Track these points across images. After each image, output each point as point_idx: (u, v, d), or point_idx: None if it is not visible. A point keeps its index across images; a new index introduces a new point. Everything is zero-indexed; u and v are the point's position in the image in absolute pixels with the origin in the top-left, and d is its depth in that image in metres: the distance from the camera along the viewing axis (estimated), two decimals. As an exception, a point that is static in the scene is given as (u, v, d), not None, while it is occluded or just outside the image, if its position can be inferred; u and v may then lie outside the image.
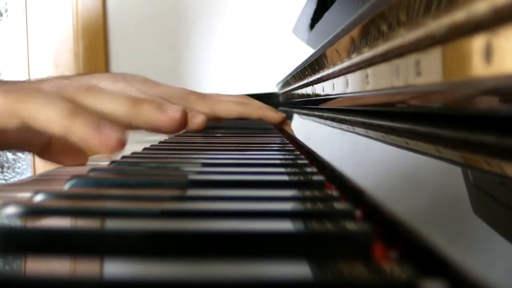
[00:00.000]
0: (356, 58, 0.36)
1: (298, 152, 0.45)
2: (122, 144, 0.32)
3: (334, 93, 0.47)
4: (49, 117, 0.32)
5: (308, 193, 0.27)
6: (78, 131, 0.32)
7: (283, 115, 0.79)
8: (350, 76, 0.40)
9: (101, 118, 0.33)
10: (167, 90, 0.74)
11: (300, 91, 0.76)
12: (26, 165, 1.78)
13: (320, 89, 0.55)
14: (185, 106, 0.74)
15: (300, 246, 0.18)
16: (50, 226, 0.20)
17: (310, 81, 0.62)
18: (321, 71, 0.53)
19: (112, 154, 0.34)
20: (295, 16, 1.11)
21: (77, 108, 0.33)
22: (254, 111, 0.77)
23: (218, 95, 0.79)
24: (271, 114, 0.77)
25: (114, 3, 1.70)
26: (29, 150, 0.41)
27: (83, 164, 0.40)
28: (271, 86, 1.25)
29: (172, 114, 0.38)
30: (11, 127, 0.33)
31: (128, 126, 0.37)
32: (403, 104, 0.30)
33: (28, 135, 0.37)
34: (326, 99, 0.53)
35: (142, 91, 0.66)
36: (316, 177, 0.31)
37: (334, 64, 0.45)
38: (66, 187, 0.29)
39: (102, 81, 0.66)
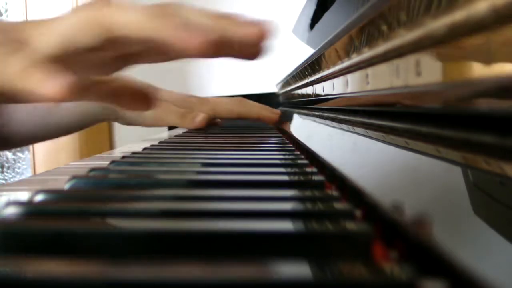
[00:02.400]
0: (356, 58, 0.36)
1: (298, 152, 0.45)
2: (209, 44, 0.31)
3: (334, 93, 0.47)
4: (136, 19, 0.31)
5: (308, 193, 0.27)
6: (165, 30, 0.31)
7: (278, 112, 0.83)
8: (350, 76, 0.40)
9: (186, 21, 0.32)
10: (170, 94, 0.76)
11: (300, 91, 0.76)
12: (26, 165, 1.78)
13: (320, 89, 0.55)
14: (186, 108, 0.75)
15: (300, 246, 0.18)
16: (50, 226, 0.20)
17: (310, 81, 0.62)
18: (321, 71, 0.53)
19: (199, 52, 0.31)
20: (295, 16, 1.11)
21: (166, 13, 0.32)
22: (252, 112, 0.81)
23: (217, 97, 0.82)
24: (268, 114, 0.82)
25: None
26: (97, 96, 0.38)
27: (150, 109, 0.38)
28: (271, 86, 1.25)
29: (258, 27, 0.36)
30: (96, 42, 0.31)
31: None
32: (403, 104, 0.30)
33: (96, 63, 0.35)
34: (326, 99, 0.53)
35: None
36: (316, 177, 0.31)
37: (334, 64, 0.45)
38: (66, 187, 0.29)
39: None
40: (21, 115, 0.71)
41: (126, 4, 0.32)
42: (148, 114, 0.73)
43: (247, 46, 0.36)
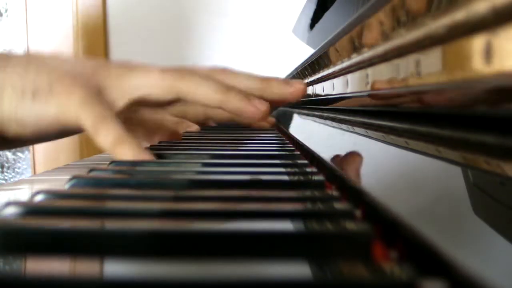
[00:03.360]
0: (356, 58, 0.36)
1: (298, 152, 0.45)
2: (268, 111, 0.42)
3: (334, 93, 0.47)
4: (207, 92, 0.41)
5: (308, 193, 0.27)
6: (233, 103, 0.41)
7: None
8: (350, 76, 0.40)
9: (248, 94, 0.42)
10: None
11: (300, 91, 0.75)
12: (26, 165, 1.78)
13: (320, 89, 0.55)
14: (180, 110, 0.76)
15: (300, 246, 0.18)
16: (50, 226, 0.20)
17: (310, 81, 0.62)
18: (321, 71, 0.53)
19: (259, 122, 0.46)
20: (295, 16, 1.11)
21: (229, 86, 0.41)
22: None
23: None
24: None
25: (114, 3, 1.70)
26: (138, 133, 0.52)
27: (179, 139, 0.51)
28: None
29: (297, 85, 0.47)
30: (165, 100, 0.42)
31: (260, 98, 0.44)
32: (403, 104, 0.30)
33: (153, 117, 0.47)
34: (326, 99, 0.53)
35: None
36: (316, 177, 0.31)
37: (334, 64, 0.45)
38: (66, 187, 0.29)
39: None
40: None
41: (196, 77, 0.42)
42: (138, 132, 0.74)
43: (288, 100, 0.47)
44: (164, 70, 0.42)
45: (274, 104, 0.46)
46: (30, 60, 0.42)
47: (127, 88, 0.41)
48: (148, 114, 0.58)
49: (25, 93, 0.40)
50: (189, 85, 0.41)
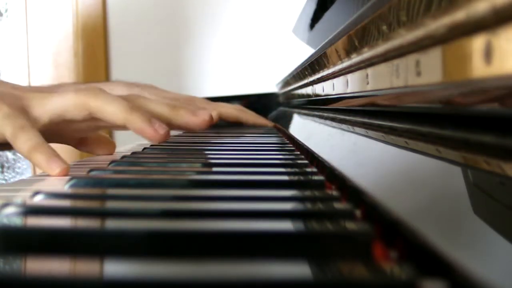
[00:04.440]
0: (356, 58, 0.36)
1: (298, 152, 0.45)
2: (167, 135, 0.45)
3: (334, 93, 0.47)
4: (114, 111, 0.44)
5: (308, 193, 0.27)
6: (136, 123, 0.44)
7: (272, 123, 0.86)
8: (350, 76, 0.40)
9: (152, 116, 0.46)
10: (175, 95, 0.78)
11: (300, 91, 0.76)
12: (26, 165, 1.78)
13: (320, 89, 0.55)
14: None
15: (300, 246, 0.18)
16: (50, 226, 0.20)
17: (310, 81, 0.62)
18: (321, 71, 0.53)
19: (159, 142, 0.46)
20: (295, 16, 1.11)
21: (135, 107, 0.45)
22: (249, 118, 0.87)
23: (217, 103, 0.87)
24: (264, 122, 0.88)
25: (114, 3, 1.70)
26: (68, 143, 0.53)
27: (112, 153, 0.52)
28: (271, 86, 1.25)
29: (203, 116, 0.51)
30: (79, 118, 0.45)
31: (168, 125, 0.48)
32: (403, 104, 0.30)
33: (75, 129, 0.49)
34: (326, 99, 0.53)
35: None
36: (316, 177, 0.31)
37: (334, 64, 0.45)
38: (66, 187, 0.29)
39: (119, 87, 0.72)
40: None
41: (108, 96, 0.45)
42: None
43: (193, 129, 0.52)
44: (78, 90, 0.46)
45: (182, 129, 0.52)
46: None
47: (47, 107, 0.45)
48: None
49: None
50: (99, 104, 0.45)
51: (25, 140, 0.41)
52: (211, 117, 0.52)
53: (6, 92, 0.46)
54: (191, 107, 0.52)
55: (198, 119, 0.51)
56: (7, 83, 0.50)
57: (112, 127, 0.51)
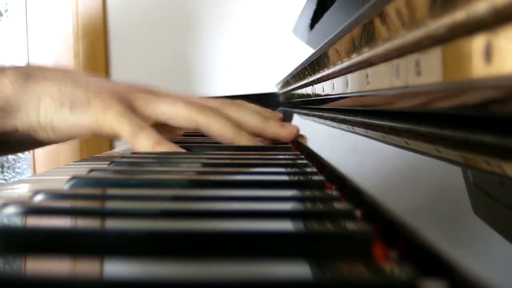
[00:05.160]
0: (356, 58, 0.36)
1: (298, 152, 0.45)
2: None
3: (334, 93, 0.47)
4: (222, 129, 0.49)
5: (308, 193, 0.27)
6: (243, 141, 0.50)
7: (294, 131, 0.79)
8: (350, 76, 0.40)
9: (253, 133, 0.52)
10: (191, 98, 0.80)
11: (300, 91, 0.76)
12: (26, 165, 1.78)
13: (320, 89, 0.55)
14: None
15: (300, 246, 0.18)
16: (50, 226, 0.20)
17: (310, 81, 0.62)
18: (321, 71, 0.53)
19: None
20: (295, 16, 1.11)
21: (240, 126, 0.50)
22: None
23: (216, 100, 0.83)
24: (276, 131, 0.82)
25: (114, 3, 1.70)
26: None
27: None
28: (271, 86, 1.25)
29: (291, 129, 0.54)
30: (185, 127, 0.51)
31: (258, 135, 0.53)
32: (403, 104, 0.30)
33: (170, 130, 0.54)
34: (326, 99, 0.53)
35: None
36: (316, 177, 0.31)
37: (334, 64, 0.45)
38: (66, 187, 0.29)
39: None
40: None
41: (215, 110, 0.50)
42: None
43: (281, 140, 0.54)
44: (187, 102, 0.50)
45: (269, 139, 0.55)
46: (66, 74, 0.49)
47: (154, 112, 0.48)
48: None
49: (63, 104, 0.46)
50: (206, 121, 0.49)
51: (146, 137, 0.44)
52: (297, 130, 0.55)
53: (112, 89, 0.48)
54: (277, 120, 0.56)
55: (287, 131, 0.54)
56: (110, 80, 0.53)
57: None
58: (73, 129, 0.46)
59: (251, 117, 0.53)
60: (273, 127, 0.53)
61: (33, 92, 0.46)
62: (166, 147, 0.44)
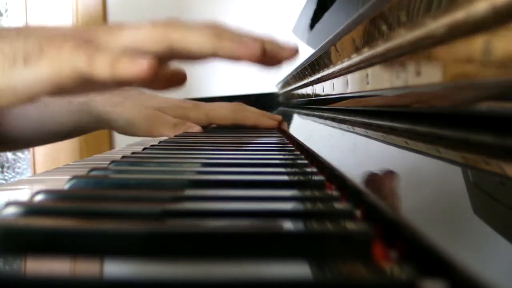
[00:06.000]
0: (356, 58, 0.36)
1: (298, 152, 0.45)
2: (261, 55, 0.41)
3: (334, 93, 0.47)
4: (199, 40, 0.41)
5: (308, 193, 0.27)
6: (226, 48, 0.41)
7: (279, 118, 0.79)
8: (350, 76, 0.40)
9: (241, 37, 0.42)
10: (162, 101, 0.76)
11: (300, 91, 0.76)
12: (26, 165, 1.78)
13: (320, 89, 0.55)
14: (181, 114, 0.75)
15: (300, 246, 0.18)
16: (50, 226, 0.20)
17: (310, 81, 0.62)
18: (321, 71, 0.53)
19: (253, 61, 0.42)
20: (295, 16, 1.11)
21: (220, 34, 0.41)
22: (248, 118, 0.79)
23: (212, 103, 0.82)
24: (266, 121, 0.79)
25: (114, 3, 1.70)
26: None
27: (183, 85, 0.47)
28: (271, 86, 1.25)
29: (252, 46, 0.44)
30: (160, 51, 0.41)
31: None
32: (403, 104, 0.30)
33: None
34: (326, 99, 0.53)
35: (139, 104, 0.72)
36: (316, 177, 0.31)
37: (334, 64, 0.45)
38: (66, 187, 0.29)
39: (99, 96, 0.72)
40: (14, 119, 0.72)
41: (186, 24, 0.42)
42: (141, 125, 0.73)
43: (277, 60, 0.46)
44: (155, 22, 0.42)
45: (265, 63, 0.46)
46: (20, 29, 0.44)
47: (118, 42, 0.41)
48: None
49: (16, 60, 0.41)
50: (180, 34, 0.41)
51: (105, 55, 0.38)
52: (263, 51, 0.45)
53: (71, 32, 0.42)
54: (268, 38, 0.47)
55: (246, 49, 0.45)
56: (64, 26, 0.46)
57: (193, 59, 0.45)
58: (34, 84, 0.41)
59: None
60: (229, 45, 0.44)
61: None
62: (128, 59, 0.37)
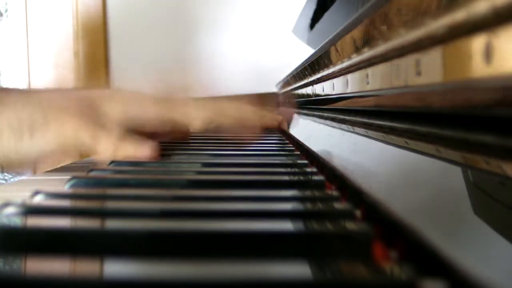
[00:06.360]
0: (356, 58, 0.36)
1: (298, 152, 0.45)
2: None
3: (334, 93, 0.47)
4: (198, 126, 0.48)
5: (308, 193, 0.27)
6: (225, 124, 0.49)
7: (279, 118, 0.81)
8: (350, 76, 0.40)
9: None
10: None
11: (300, 91, 0.76)
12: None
13: (320, 89, 0.55)
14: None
15: (300, 246, 0.18)
16: (50, 226, 0.20)
17: (310, 81, 0.62)
18: (321, 71, 0.53)
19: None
20: (295, 16, 1.11)
21: (220, 111, 0.50)
22: (250, 119, 0.81)
23: (214, 102, 0.82)
24: (268, 123, 0.81)
25: (114, 3, 1.70)
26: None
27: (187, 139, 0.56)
28: (271, 86, 1.25)
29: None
30: (164, 130, 0.47)
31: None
32: (403, 104, 0.30)
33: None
34: (326, 99, 0.53)
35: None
36: (316, 177, 0.31)
37: (334, 64, 0.45)
38: (66, 187, 0.29)
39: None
40: None
41: (191, 104, 0.49)
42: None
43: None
44: (157, 100, 0.47)
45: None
46: (29, 96, 0.47)
47: (122, 117, 0.45)
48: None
49: (22, 133, 0.44)
50: (182, 116, 0.47)
51: (108, 135, 0.42)
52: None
53: (76, 104, 0.46)
54: (267, 115, 0.58)
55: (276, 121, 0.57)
56: (79, 91, 0.50)
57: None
58: (40, 154, 0.45)
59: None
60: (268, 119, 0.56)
61: None
62: (130, 144, 0.41)
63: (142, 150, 0.40)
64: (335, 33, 0.43)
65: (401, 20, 0.25)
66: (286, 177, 0.32)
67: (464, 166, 0.21)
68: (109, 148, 0.41)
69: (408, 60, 0.25)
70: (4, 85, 1.67)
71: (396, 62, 0.27)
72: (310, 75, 0.61)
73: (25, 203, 0.23)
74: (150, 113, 0.46)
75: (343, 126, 0.47)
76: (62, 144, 0.43)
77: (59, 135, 0.43)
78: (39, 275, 0.15)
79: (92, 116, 0.44)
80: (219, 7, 1.69)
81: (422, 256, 0.15)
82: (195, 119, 0.49)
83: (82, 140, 0.42)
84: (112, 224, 0.21)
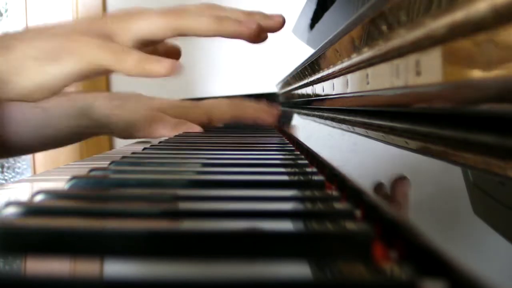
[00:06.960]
0: (356, 58, 0.36)
1: (298, 152, 0.45)
2: (258, 32, 0.53)
3: (334, 93, 0.47)
4: (204, 26, 0.50)
5: (308, 193, 0.27)
6: (228, 29, 0.50)
7: (275, 112, 0.82)
8: (350, 76, 0.40)
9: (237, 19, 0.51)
10: (161, 102, 0.76)
11: (300, 91, 0.76)
12: (26, 165, 1.78)
13: (320, 89, 0.55)
14: (181, 113, 0.75)
15: (300, 246, 0.18)
16: (50, 226, 0.20)
17: (310, 81, 0.62)
18: (321, 71, 0.53)
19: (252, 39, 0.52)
20: (295, 16, 1.11)
21: (220, 17, 0.50)
22: (248, 114, 0.80)
23: (213, 100, 0.82)
24: (265, 118, 0.82)
25: (114, 3, 1.70)
26: None
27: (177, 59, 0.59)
28: (271, 86, 1.25)
29: (277, 19, 0.58)
30: (170, 37, 0.51)
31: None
32: (403, 104, 0.30)
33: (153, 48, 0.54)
34: (326, 99, 0.53)
35: (138, 107, 0.73)
36: (316, 177, 0.31)
37: (334, 64, 0.45)
38: (66, 187, 0.29)
39: (97, 101, 0.71)
40: (15, 127, 0.72)
41: (190, 10, 0.50)
42: (141, 126, 0.73)
43: (268, 31, 0.56)
44: (162, 11, 0.50)
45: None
46: (41, 31, 0.50)
47: (132, 34, 0.48)
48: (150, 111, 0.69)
49: (43, 61, 0.47)
50: (187, 21, 0.49)
51: (132, 57, 0.44)
52: (259, 26, 0.54)
53: (86, 28, 0.49)
54: (258, 13, 0.57)
55: (272, 21, 0.58)
56: (84, 19, 0.56)
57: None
58: (64, 80, 0.47)
59: (234, 13, 0.53)
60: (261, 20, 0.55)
61: (14, 60, 0.47)
62: (154, 63, 0.44)
63: (165, 67, 0.44)
64: (335, 33, 0.43)
65: (401, 20, 0.26)
66: (286, 177, 0.32)
67: (464, 166, 0.21)
68: (134, 67, 0.44)
69: (408, 60, 0.25)
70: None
71: (396, 62, 0.27)
72: (310, 75, 0.61)
73: (25, 203, 0.23)
74: (158, 25, 0.48)
75: (343, 126, 0.47)
76: (85, 65, 0.46)
77: (82, 56, 0.46)
78: (39, 275, 0.15)
79: (107, 37, 0.47)
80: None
81: (422, 256, 0.15)
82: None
83: (105, 61, 0.45)
84: (113, 224, 0.21)
